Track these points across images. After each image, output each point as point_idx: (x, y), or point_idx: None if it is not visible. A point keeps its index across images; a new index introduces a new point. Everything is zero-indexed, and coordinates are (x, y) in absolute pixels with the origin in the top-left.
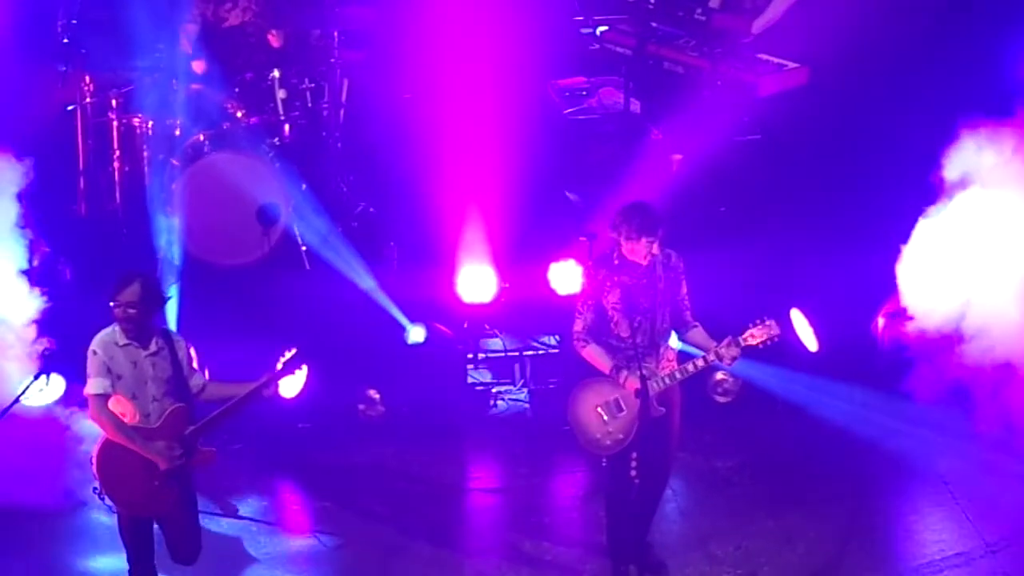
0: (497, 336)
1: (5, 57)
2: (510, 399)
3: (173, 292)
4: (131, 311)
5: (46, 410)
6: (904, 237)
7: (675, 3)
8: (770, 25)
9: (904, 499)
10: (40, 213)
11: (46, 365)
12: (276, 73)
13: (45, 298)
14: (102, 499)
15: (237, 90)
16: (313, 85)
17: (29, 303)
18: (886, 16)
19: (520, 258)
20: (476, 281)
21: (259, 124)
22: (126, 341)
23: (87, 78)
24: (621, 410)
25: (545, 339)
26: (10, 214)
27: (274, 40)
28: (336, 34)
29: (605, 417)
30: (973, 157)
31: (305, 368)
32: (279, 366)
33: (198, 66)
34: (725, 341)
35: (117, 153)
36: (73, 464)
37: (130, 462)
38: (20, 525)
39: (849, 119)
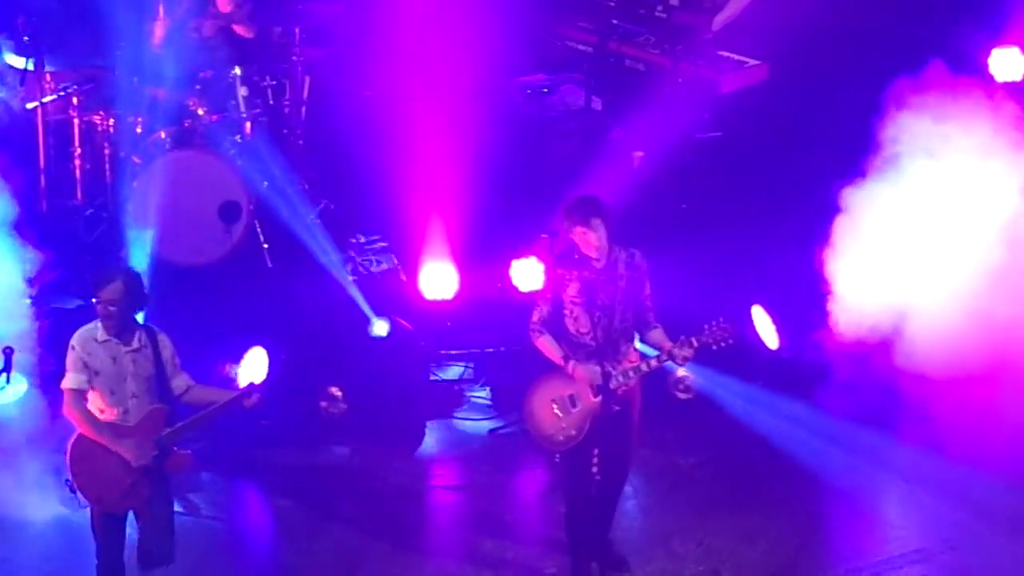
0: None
1: None
2: (472, 397)
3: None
4: (112, 308)
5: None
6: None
7: (636, 0)
8: (730, 22)
9: (864, 496)
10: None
11: (7, 364)
12: (237, 71)
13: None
14: (73, 493)
15: (198, 88)
16: (275, 82)
17: None
18: (844, 11)
19: (482, 255)
20: (438, 278)
21: (221, 121)
22: (107, 337)
23: (48, 76)
24: (575, 406)
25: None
26: None
27: (242, 31)
28: (297, 31)
29: (559, 413)
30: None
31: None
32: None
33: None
34: (679, 341)
35: (78, 151)
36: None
37: (102, 458)
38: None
39: (808, 116)
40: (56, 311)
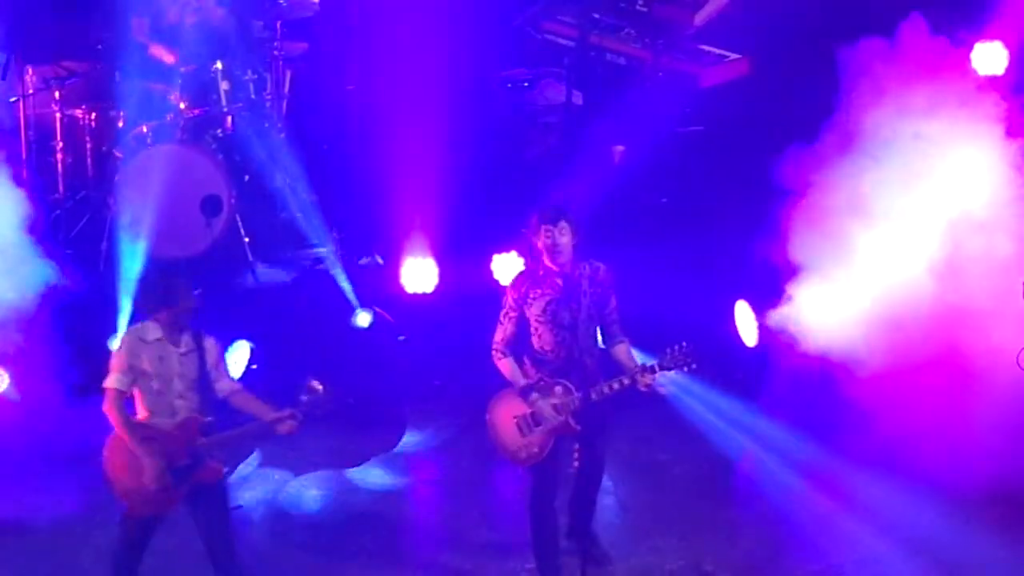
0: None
1: None
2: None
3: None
4: (188, 315)
5: None
6: None
7: None
8: (712, 16)
9: (842, 492)
10: None
11: None
12: (219, 65)
13: None
14: (108, 489)
15: (180, 82)
16: (256, 76)
17: None
18: (825, 6)
19: (462, 249)
20: (418, 272)
21: (202, 115)
22: (158, 337)
23: (29, 69)
24: (537, 424)
25: None
26: None
27: (216, 15)
28: (279, 25)
29: (521, 431)
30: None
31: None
32: (304, 401)
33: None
34: (641, 368)
35: (60, 144)
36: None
37: (133, 460)
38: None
39: (790, 110)
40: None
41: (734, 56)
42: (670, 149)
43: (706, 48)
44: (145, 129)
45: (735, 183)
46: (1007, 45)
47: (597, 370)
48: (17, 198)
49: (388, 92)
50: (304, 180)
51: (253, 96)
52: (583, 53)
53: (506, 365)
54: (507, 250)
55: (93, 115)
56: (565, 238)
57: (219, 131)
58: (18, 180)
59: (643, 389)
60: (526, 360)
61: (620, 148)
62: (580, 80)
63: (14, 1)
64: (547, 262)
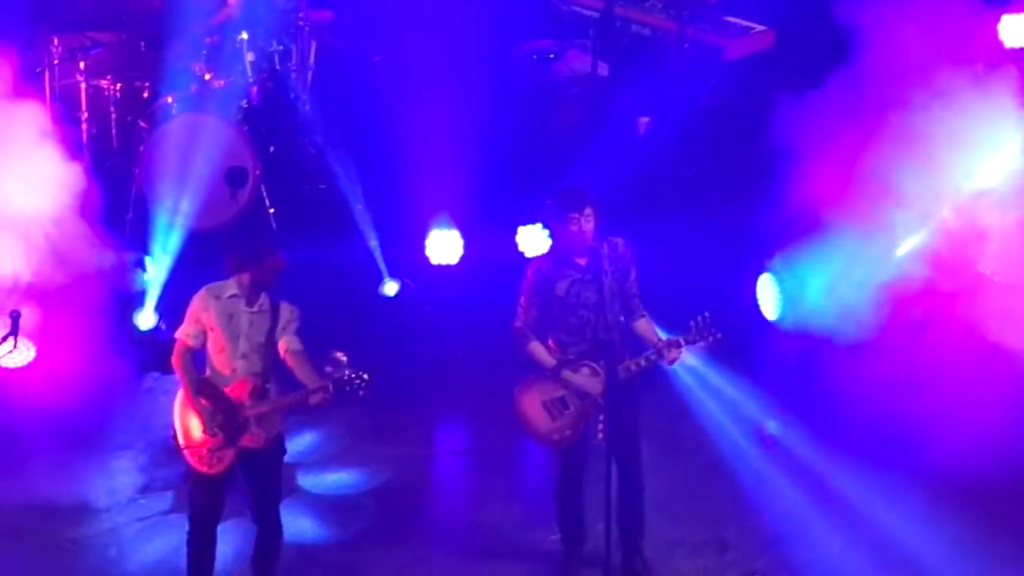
0: None
1: None
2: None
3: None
4: (266, 278)
5: None
6: None
7: None
8: None
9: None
10: None
11: (14, 328)
12: (244, 35)
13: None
14: (176, 444)
15: (205, 52)
16: (281, 47)
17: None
18: None
19: (487, 221)
20: (443, 243)
21: (227, 86)
22: (233, 294)
23: (55, 39)
24: (567, 407)
25: None
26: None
27: None
28: None
29: (551, 415)
30: None
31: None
32: (344, 379)
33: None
34: (667, 342)
35: (85, 115)
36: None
37: (191, 415)
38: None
39: (814, 82)
40: None
41: (759, 28)
42: (695, 121)
43: (732, 19)
44: (170, 100)
45: (762, 155)
46: None
47: (624, 348)
48: (71, 173)
49: (413, 63)
50: (329, 151)
51: (278, 67)
52: (608, 24)
53: (532, 348)
54: (532, 222)
55: (118, 85)
56: (591, 224)
57: (244, 102)
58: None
59: (669, 364)
60: (551, 343)
61: (645, 119)
62: (605, 51)
63: None
64: (571, 245)
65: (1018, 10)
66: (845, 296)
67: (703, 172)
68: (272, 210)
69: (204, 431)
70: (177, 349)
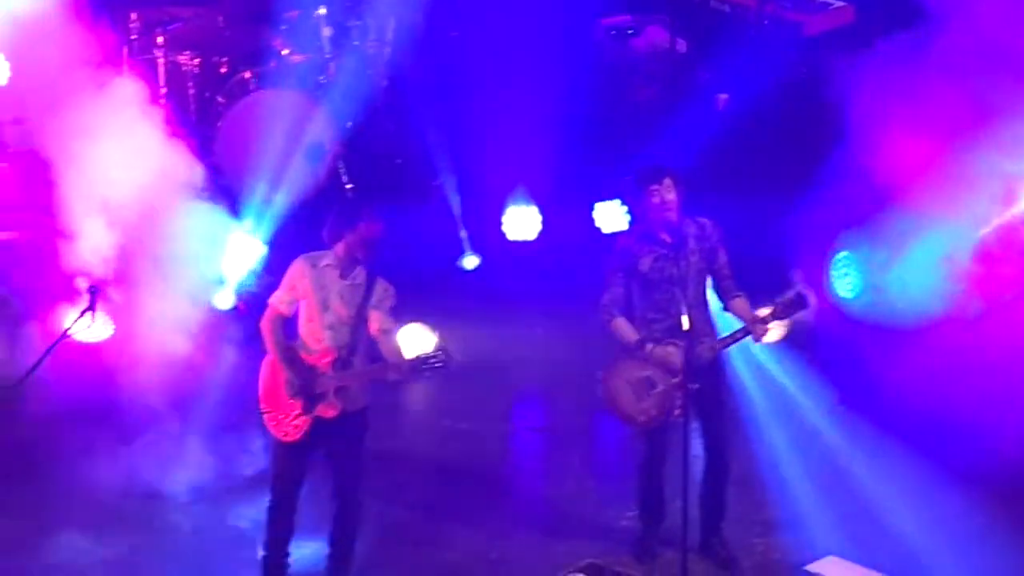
0: None
1: None
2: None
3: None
4: (363, 248)
5: None
6: None
7: None
8: None
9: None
10: None
11: (92, 303)
12: (323, 11)
13: None
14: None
15: (284, 28)
16: (359, 22)
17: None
18: None
19: (565, 197)
20: (521, 219)
21: (305, 62)
22: (328, 263)
23: (133, 15)
24: (654, 387)
25: None
26: None
27: None
28: None
29: (637, 395)
30: None
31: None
32: (423, 358)
33: None
34: (754, 318)
35: (163, 91)
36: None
37: (275, 379)
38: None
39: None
40: None
41: (839, 4)
42: (774, 97)
43: None
44: (248, 75)
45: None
46: None
47: (707, 326)
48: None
49: (491, 38)
50: (406, 127)
51: (356, 42)
52: (687, 0)
53: (617, 325)
54: (609, 198)
55: (196, 61)
56: (671, 194)
57: (322, 77)
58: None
59: (758, 341)
60: (636, 320)
61: (724, 96)
62: (684, 27)
63: None
64: (654, 220)
65: None
66: (920, 277)
67: (780, 149)
68: (349, 185)
69: (284, 397)
70: (268, 314)
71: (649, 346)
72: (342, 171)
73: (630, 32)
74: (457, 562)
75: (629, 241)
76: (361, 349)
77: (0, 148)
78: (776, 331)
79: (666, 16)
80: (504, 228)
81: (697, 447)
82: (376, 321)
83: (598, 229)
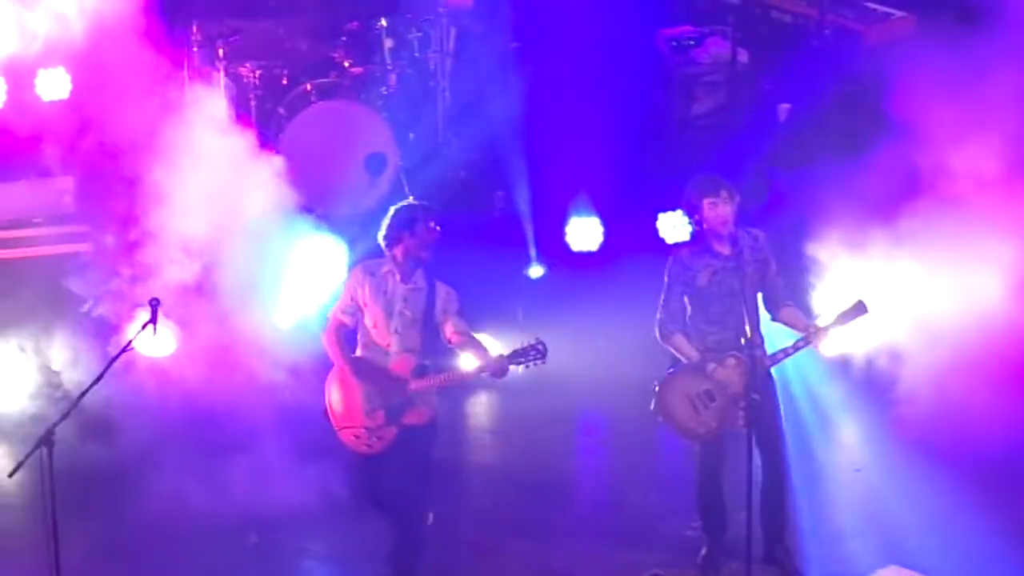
0: None
1: None
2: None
3: None
4: (420, 252)
5: None
6: None
7: None
8: None
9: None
10: None
11: (153, 316)
12: (384, 22)
13: None
14: (330, 425)
15: (344, 39)
16: (420, 34)
17: None
18: None
19: (627, 207)
20: (583, 229)
21: (366, 73)
22: (388, 270)
23: (194, 27)
24: (713, 400)
25: None
26: None
27: None
28: None
29: (697, 408)
30: None
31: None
32: (520, 351)
33: None
34: (815, 327)
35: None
36: None
37: (346, 391)
38: None
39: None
40: None
41: (900, 14)
42: (836, 107)
43: (871, 5)
44: (309, 87)
45: (897, 142)
46: None
47: (760, 336)
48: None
49: (552, 50)
50: (468, 138)
51: (417, 53)
52: (749, 10)
53: (677, 342)
54: (672, 208)
55: (257, 72)
56: (729, 206)
57: (383, 89)
58: None
59: (816, 347)
60: (693, 334)
61: (786, 106)
62: (746, 38)
63: None
64: (710, 232)
65: None
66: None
67: (842, 158)
68: (411, 197)
69: (362, 410)
70: (330, 327)
71: (711, 366)
72: (404, 184)
73: (692, 43)
74: (521, 572)
75: (685, 255)
76: (432, 353)
77: (67, 161)
78: (837, 339)
79: (728, 27)
80: (567, 239)
81: (755, 457)
82: (450, 326)
83: (661, 240)
